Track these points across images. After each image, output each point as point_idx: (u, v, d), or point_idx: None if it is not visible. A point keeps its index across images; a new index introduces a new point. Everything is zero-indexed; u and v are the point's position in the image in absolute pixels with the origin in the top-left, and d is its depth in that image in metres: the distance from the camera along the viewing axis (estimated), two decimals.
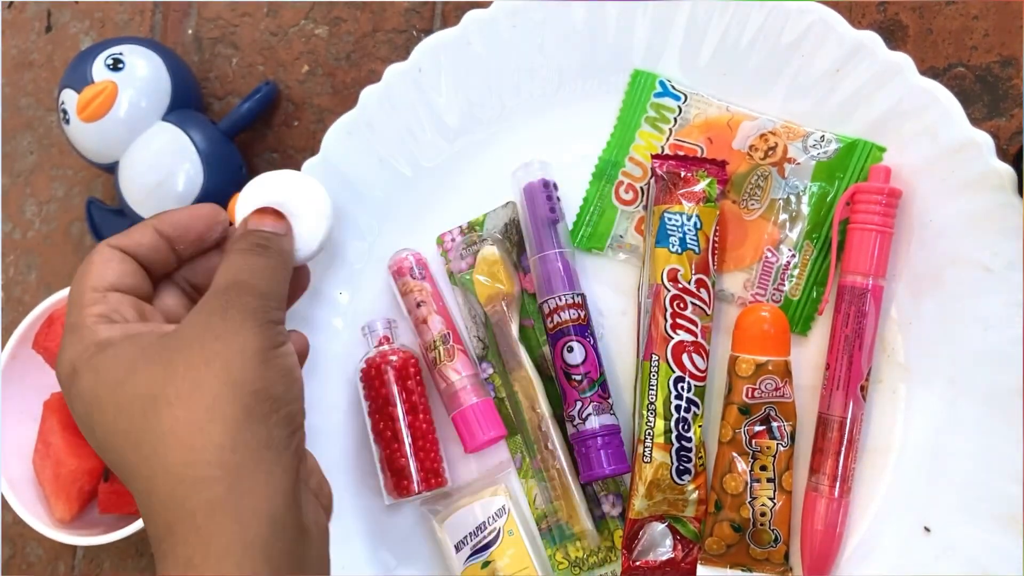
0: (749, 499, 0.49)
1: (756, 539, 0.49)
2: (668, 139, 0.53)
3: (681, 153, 0.53)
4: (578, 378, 0.51)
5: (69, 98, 0.56)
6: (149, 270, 0.42)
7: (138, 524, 0.52)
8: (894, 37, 0.53)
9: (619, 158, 0.54)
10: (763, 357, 0.49)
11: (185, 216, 0.43)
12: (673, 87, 0.53)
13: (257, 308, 0.38)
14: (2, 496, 0.54)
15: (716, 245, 0.51)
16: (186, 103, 0.57)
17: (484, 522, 0.52)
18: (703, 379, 0.50)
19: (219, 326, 0.37)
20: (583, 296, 0.52)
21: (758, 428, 0.49)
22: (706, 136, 0.53)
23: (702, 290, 0.50)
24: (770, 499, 0.49)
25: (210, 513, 0.34)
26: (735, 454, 0.49)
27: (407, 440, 0.52)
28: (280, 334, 0.39)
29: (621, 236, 0.53)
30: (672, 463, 0.49)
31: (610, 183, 0.54)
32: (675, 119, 0.53)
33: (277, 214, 0.43)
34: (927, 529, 0.49)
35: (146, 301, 0.42)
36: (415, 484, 0.51)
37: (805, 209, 0.51)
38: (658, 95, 0.53)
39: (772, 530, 0.49)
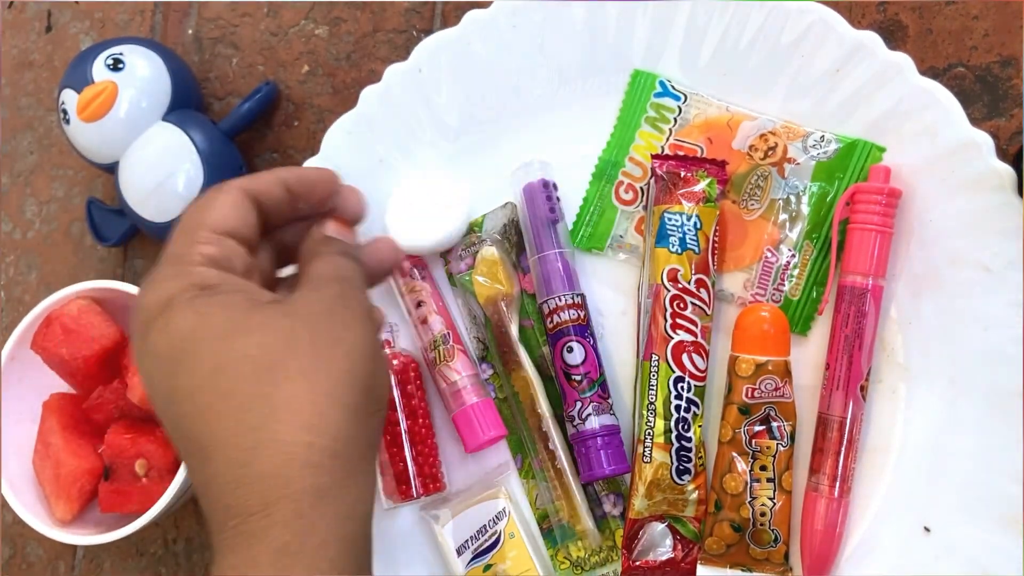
0: (749, 499, 0.49)
1: (756, 539, 0.49)
2: (668, 139, 0.53)
3: (681, 153, 0.53)
4: (578, 378, 0.51)
5: (69, 98, 0.56)
6: (265, 222, 0.40)
7: (138, 524, 0.52)
8: (894, 37, 0.53)
9: (619, 158, 0.54)
10: (763, 357, 0.49)
11: (313, 175, 0.41)
12: (673, 87, 0.53)
13: (368, 308, 0.38)
14: (2, 496, 0.54)
15: (716, 245, 0.51)
16: (186, 103, 0.57)
17: (485, 525, 0.52)
18: (703, 379, 0.50)
19: (342, 313, 0.36)
20: (583, 296, 0.52)
21: (758, 428, 0.49)
22: (706, 136, 0.53)
23: (702, 290, 0.50)
24: (770, 499, 0.49)
25: (316, 502, 0.33)
26: (735, 454, 0.49)
27: (407, 444, 0.52)
28: (380, 338, 0.38)
29: (621, 236, 0.53)
30: (672, 463, 0.49)
31: (610, 183, 0.54)
32: (675, 119, 0.53)
33: (344, 225, 0.41)
34: (927, 529, 0.49)
35: (251, 254, 0.40)
36: (414, 488, 0.51)
37: (805, 209, 0.51)
38: (658, 95, 0.53)
39: (772, 530, 0.49)
